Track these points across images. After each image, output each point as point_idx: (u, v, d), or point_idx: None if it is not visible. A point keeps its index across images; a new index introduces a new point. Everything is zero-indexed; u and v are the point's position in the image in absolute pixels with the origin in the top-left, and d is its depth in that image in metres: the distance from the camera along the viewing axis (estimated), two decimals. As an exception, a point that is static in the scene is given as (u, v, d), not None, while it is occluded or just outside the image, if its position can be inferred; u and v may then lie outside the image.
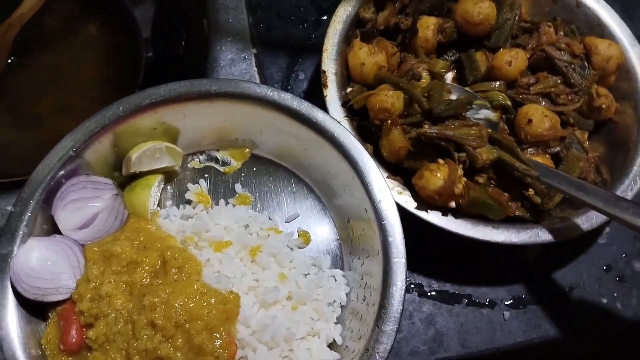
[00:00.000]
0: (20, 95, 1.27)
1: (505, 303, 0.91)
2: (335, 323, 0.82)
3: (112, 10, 1.20)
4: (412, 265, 0.77)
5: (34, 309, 0.79)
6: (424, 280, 0.92)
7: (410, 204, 0.84)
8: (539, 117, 0.90)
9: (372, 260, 0.82)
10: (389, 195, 0.82)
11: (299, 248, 0.90)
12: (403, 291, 0.77)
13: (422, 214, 0.84)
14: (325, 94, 0.91)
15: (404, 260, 0.78)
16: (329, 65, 0.93)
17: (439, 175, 0.82)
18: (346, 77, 0.97)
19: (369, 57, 0.95)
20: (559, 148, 0.91)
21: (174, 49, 1.37)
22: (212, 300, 0.73)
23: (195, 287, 0.73)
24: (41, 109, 1.28)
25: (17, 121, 1.26)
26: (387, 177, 0.85)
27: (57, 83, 1.29)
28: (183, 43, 1.37)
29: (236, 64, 1.08)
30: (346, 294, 0.85)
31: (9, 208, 0.82)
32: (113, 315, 0.73)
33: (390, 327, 0.75)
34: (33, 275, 0.77)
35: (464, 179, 0.83)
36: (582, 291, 0.92)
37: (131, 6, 1.19)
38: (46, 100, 1.28)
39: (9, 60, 1.28)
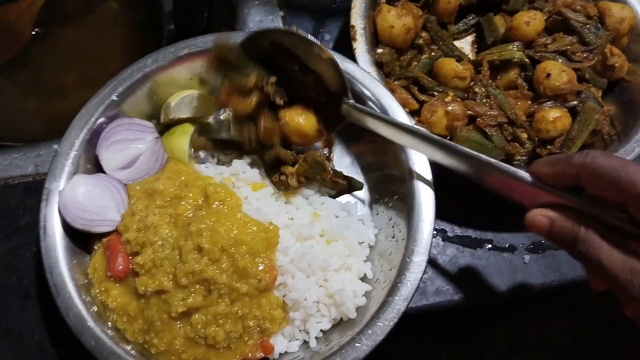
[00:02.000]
0: (43, 66, 1.31)
1: (525, 248, 0.95)
2: (365, 261, 0.87)
3: (134, -16, 1.23)
4: (436, 212, 0.81)
5: (79, 243, 0.82)
6: (447, 226, 0.96)
7: (436, 149, 0.89)
8: (557, 71, 0.95)
9: (400, 199, 0.86)
10: (418, 140, 0.86)
11: (329, 196, 0.94)
12: (431, 226, 0.81)
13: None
14: (354, 47, 0.95)
15: (432, 197, 0.82)
16: (358, 20, 0.98)
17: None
18: (373, 37, 1.02)
19: (398, 19, 0.99)
20: (575, 102, 0.96)
21: (196, 22, 1.41)
22: (254, 228, 0.77)
23: (238, 216, 0.78)
24: (64, 80, 1.32)
25: (40, 90, 1.30)
26: (415, 123, 0.90)
27: (80, 56, 1.34)
28: (205, 15, 1.42)
29: (264, 25, 1.13)
30: (375, 235, 0.89)
31: (55, 147, 0.86)
32: (160, 242, 0.77)
33: (420, 258, 0.79)
34: (80, 208, 0.80)
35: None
36: (597, 237, 0.97)
37: (152, -20, 1.22)
38: (69, 72, 1.32)
39: (34, 32, 1.32)
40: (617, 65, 1.00)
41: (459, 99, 0.96)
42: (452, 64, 0.99)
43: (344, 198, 0.94)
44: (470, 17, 1.10)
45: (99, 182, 0.84)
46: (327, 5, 1.16)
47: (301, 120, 0.86)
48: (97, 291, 0.78)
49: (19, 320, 0.87)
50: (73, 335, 0.74)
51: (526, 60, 0.99)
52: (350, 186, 0.93)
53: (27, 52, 1.31)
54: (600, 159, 0.60)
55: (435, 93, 0.98)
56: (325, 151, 0.95)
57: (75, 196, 0.81)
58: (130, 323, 0.76)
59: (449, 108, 0.93)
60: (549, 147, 0.96)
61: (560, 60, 0.99)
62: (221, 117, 0.96)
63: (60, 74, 1.32)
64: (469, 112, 0.94)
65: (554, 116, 0.94)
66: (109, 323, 0.77)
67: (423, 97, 0.99)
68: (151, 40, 1.26)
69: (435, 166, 0.84)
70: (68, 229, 0.80)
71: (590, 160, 0.60)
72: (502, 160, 0.93)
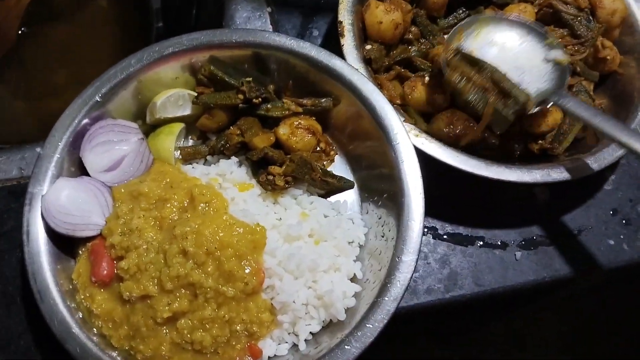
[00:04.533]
0: (32, 66, 1.29)
1: (517, 244, 0.94)
2: (355, 260, 0.85)
3: (122, -18, 1.21)
4: (427, 209, 0.80)
5: (63, 247, 0.81)
6: (437, 223, 0.95)
7: (426, 146, 0.87)
8: (548, 65, 0.93)
9: (390, 198, 0.85)
10: (407, 138, 0.85)
11: (318, 195, 0.93)
12: (421, 225, 0.80)
13: (438, 155, 0.87)
14: (342, 43, 0.94)
15: (421, 196, 0.81)
16: (345, 16, 0.96)
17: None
18: (362, 33, 1.00)
19: (386, 15, 0.97)
20: (567, 96, 0.95)
21: (185, 20, 1.39)
22: (240, 230, 0.76)
23: (224, 218, 0.76)
24: (54, 79, 1.30)
25: (30, 90, 1.28)
26: (403, 121, 0.88)
27: (69, 55, 1.32)
28: (193, 12, 1.40)
29: (252, 22, 1.11)
30: (364, 235, 0.88)
31: (38, 150, 0.85)
32: (144, 246, 0.76)
33: (410, 257, 0.78)
34: (63, 212, 0.79)
35: None
36: (589, 233, 0.96)
37: (140, -22, 1.21)
38: (58, 71, 1.30)
39: (20, 31, 1.30)
40: (608, 57, 0.99)
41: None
42: None
43: (333, 197, 0.92)
44: (461, 11, 1.08)
45: (82, 185, 0.82)
46: (315, 1, 1.14)
47: (306, 138, 0.88)
48: (82, 297, 0.77)
49: (5, 326, 0.85)
50: (59, 342, 0.73)
51: (517, 54, 0.97)
52: (341, 185, 0.91)
53: (15, 51, 1.29)
54: None
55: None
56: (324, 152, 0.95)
57: (58, 200, 0.79)
58: (115, 329, 0.75)
59: (427, 80, 0.93)
60: (540, 141, 0.94)
61: (551, 54, 0.97)
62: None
63: (50, 73, 1.30)
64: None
65: (545, 110, 0.93)
66: (95, 329, 0.76)
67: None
68: (140, 38, 1.24)
69: (424, 163, 0.83)
70: (52, 233, 0.79)
71: None
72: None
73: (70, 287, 0.79)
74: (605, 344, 1.72)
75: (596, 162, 0.89)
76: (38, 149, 0.95)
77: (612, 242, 0.96)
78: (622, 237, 0.96)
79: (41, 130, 1.08)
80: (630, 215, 0.98)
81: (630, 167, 1.03)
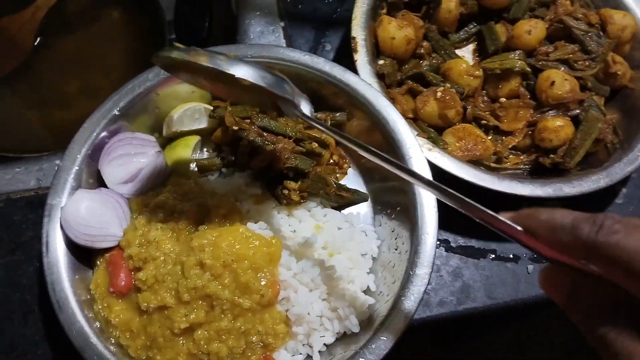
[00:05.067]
0: (46, 76, 1.32)
1: (529, 257, 0.95)
2: (368, 273, 0.86)
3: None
4: (439, 222, 0.80)
5: (81, 258, 0.82)
6: (450, 236, 0.96)
7: (439, 160, 0.89)
8: (560, 80, 0.94)
9: (403, 211, 0.86)
10: (419, 152, 0.86)
11: (331, 207, 0.94)
12: (435, 238, 0.81)
13: (451, 169, 0.88)
14: (355, 58, 0.95)
15: (435, 209, 0.82)
16: (358, 32, 0.98)
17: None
18: (374, 49, 1.02)
19: (399, 31, 0.99)
20: (578, 110, 0.96)
21: (198, 32, 1.41)
22: (257, 243, 0.77)
23: (240, 230, 0.77)
24: (66, 90, 1.32)
25: (43, 101, 1.30)
26: (416, 135, 0.89)
27: (82, 66, 1.34)
28: (206, 24, 1.42)
29: (265, 36, 1.13)
30: (377, 247, 0.88)
31: (57, 162, 0.87)
32: (162, 257, 0.77)
33: (423, 270, 0.79)
34: (83, 224, 0.80)
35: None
36: (601, 247, 0.96)
37: (154, -11, 1.23)
38: (71, 82, 1.32)
39: (36, 42, 1.33)
40: (619, 72, 1.00)
41: (452, 91, 0.96)
42: (462, 62, 0.99)
43: (346, 210, 0.93)
44: (472, 26, 1.09)
45: (101, 197, 0.84)
46: (328, 16, 1.16)
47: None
48: (100, 307, 0.78)
49: (22, 335, 0.87)
50: (76, 351, 0.74)
51: (528, 69, 0.99)
52: (355, 198, 0.92)
53: (29, 62, 1.31)
54: (620, 236, 0.40)
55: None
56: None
57: (77, 212, 0.81)
58: (133, 339, 0.76)
59: (439, 95, 0.94)
60: (551, 155, 0.95)
61: (562, 69, 0.98)
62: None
63: (63, 84, 1.32)
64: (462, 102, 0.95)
65: (556, 125, 0.94)
66: (112, 339, 0.77)
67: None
68: (153, 50, 1.25)
69: (436, 177, 0.83)
70: (70, 244, 0.80)
71: (605, 239, 0.41)
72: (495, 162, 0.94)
73: (88, 297, 0.80)
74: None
75: (608, 176, 0.90)
76: (57, 161, 0.97)
77: (623, 256, 0.96)
78: (633, 250, 0.96)
79: (54, 140, 1.11)
80: (642, 229, 0.98)
81: (641, 181, 1.04)
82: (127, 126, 0.91)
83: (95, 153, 0.87)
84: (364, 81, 0.91)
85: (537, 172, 0.97)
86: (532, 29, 1.00)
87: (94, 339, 0.75)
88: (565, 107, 0.96)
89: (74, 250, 0.81)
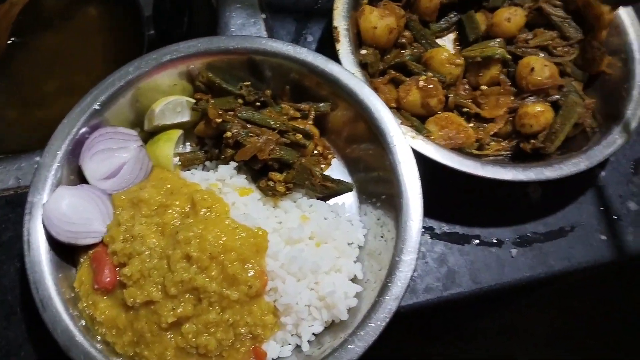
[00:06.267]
0: (23, 75, 1.29)
1: (512, 242, 0.96)
2: (355, 261, 0.87)
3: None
4: (423, 209, 0.81)
5: (64, 256, 0.81)
6: (434, 223, 0.97)
7: (423, 148, 0.89)
8: (540, 66, 0.96)
9: (388, 200, 0.86)
10: (404, 140, 0.87)
11: (317, 198, 0.94)
12: (420, 224, 0.81)
13: (435, 156, 0.88)
14: (338, 48, 0.95)
15: (420, 196, 0.83)
16: (340, 21, 0.98)
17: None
18: (357, 38, 1.02)
19: (380, 20, 0.99)
20: (558, 96, 0.97)
21: (177, 26, 1.39)
22: (243, 234, 0.76)
23: (226, 222, 0.77)
24: (45, 89, 1.29)
25: (21, 100, 1.27)
26: (400, 123, 0.90)
27: (60, 64, 1.31)
28: (185, 19, 1.40)
29: (246, 28, 1.12)
30: (364, 236, 0.89)
31: (36, 159, 0.85)
32: (147, 252, 0.76)
33: (409, 257, 0.79)
34: (65, 220, 0.79)
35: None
36: (582, 229, 0.98)
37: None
38: (49, 80, 1.30)
39: (10, 41, 1.30)
40: (597, 58, 1.01)
41: (434, 79, 0.97)
42: (443, 51, 1.00)
43: (332, 200, 0.93)
44: (452, 15, 1.10)
45: (83, 193, 0.82)
46: (309, 7, 1.15)
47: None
48: (85, 305, 0.77)
49: (5, 337, 0.85)
50: (61, 351, 0.73)
51: (508, 56, 1.00)
52: (340, 189, 0.93)
53: (6, 60, 1.28)
54: None
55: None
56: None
57: (59, 208, 0.79)
58: (119, 336, 0.75)
59: (421, 84, 0.94)
60: (532, 141, 0.96)
61: (541, 55, 1.00)
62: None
63: (41, 82, 1.30)
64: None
65: (536, 110, 0.95)
66: (98, 337, 0.76)
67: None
68: (132, 46, 1.24)
69: (421, 164, 0.84)
70: (53, 242, 0.79)
71: None
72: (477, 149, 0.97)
73: (73, 295, 0.79)
74: (592, 337, 1.75)
75: (587, 159, 0.92)
76: (36, 158, 0.95)
77: (603, 237, 0.98)
78: (613, 232, 0.98)
79: (33, 139, 1.08)
80: (621, 211, 1.01)
81: (619, 164, 1.06)
82: (108, 121, 0.89)
83: (76, 149, 0.85)
84: (347, 71, 0.91)
85: (518, 158, 0.98)
86: (511, 17, 1.01)
87: (79, 338, 0.74)
88: (545, 92, 0.97)
89: (57, 248, 0.80)
